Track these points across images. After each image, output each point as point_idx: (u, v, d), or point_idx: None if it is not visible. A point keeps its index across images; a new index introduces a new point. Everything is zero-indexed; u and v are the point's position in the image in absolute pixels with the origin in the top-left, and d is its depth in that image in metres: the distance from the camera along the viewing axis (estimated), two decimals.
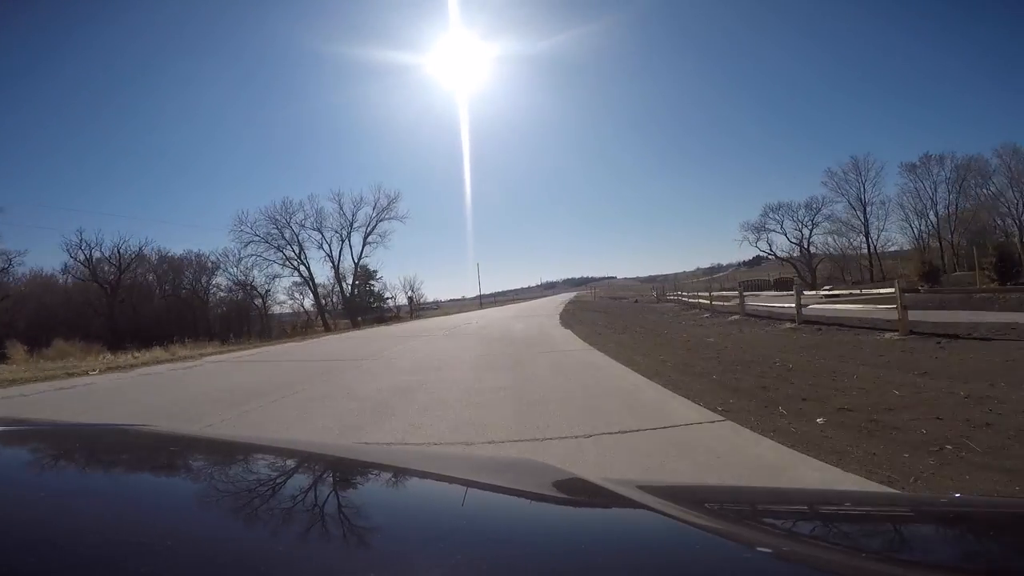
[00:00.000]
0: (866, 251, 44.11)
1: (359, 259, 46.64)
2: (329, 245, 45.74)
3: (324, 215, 45.28)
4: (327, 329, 36.51)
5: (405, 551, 0.51)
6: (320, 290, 46.86)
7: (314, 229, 44.62)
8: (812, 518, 0.78)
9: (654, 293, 50.52)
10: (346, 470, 0.89)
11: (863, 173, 43.85)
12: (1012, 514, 0.78)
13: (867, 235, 43.90)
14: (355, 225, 46.07)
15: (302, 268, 44.63)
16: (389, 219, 46.25)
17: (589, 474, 0.86)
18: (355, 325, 38.13)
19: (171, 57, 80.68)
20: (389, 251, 74.10)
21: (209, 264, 43.02)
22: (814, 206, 47.22)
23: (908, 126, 78.38)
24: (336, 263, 46.23)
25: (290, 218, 43.83)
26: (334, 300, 51.76)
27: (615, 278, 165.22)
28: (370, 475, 0.87)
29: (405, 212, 49.15)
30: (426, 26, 74.11)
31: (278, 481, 0.81)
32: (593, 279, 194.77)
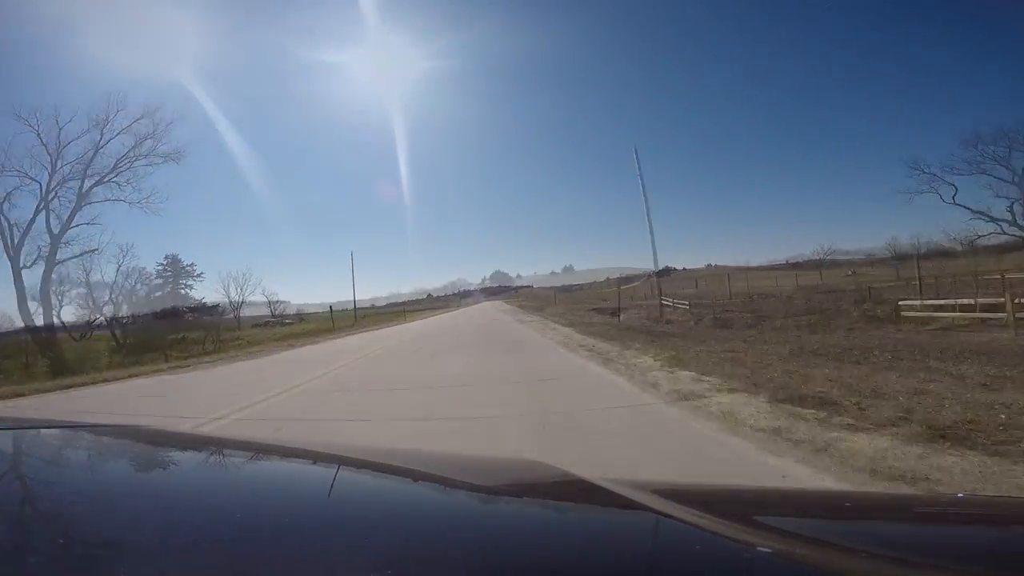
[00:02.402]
0: None
1: (67, 224, 24.44)
2: None
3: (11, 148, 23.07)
4: None
5: (406, 551, 0.51)
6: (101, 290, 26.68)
7: None
8: (812, 518, 0.77)
9: (669, 302, 26.97)
10: (347, 470, 0.91)
11: None
12: (1014, 513, 0.78)
13: None
14: (72, 163, 24.17)
15: None
16: (153, 158, 24.91)
17: (589, 474, 0.86)
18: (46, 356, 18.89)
19: None
20: (170, 222, 50.00)
21: None
22: None
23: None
24: (15, 237, 23.73)
25: None
26: (127, 307, 30.86)
27: (531, 287, 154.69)
28: (371, 475, 0.87)
29: (184, 146, 26.89)
30: (341, 21, 57.28)
31: (279, 480, 0.85)
32: (509, 288, 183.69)
